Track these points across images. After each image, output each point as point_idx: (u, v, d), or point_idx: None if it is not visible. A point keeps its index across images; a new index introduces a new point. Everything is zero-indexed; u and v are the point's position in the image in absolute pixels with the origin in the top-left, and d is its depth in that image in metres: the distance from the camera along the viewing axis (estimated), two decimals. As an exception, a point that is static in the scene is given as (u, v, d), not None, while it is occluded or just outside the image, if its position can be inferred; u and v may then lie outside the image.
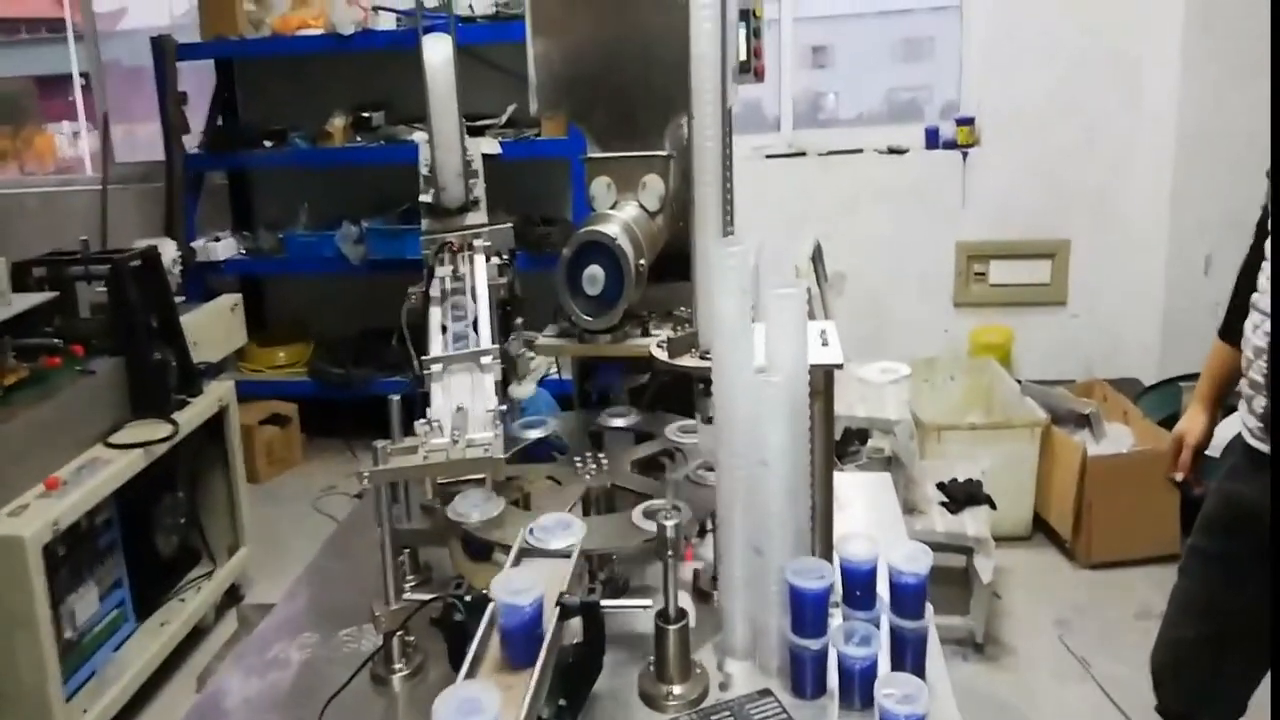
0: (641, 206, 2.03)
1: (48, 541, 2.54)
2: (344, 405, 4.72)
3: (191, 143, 4.86)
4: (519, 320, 1.97)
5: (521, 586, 1.27)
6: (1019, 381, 4.15)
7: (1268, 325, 1.78)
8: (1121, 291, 4.65)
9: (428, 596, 1.45)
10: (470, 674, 1.19)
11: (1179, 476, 2.17)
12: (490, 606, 1.28)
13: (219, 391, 3.34)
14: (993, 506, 3.28)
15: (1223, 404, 2.15)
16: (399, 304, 1.83)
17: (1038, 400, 3.92)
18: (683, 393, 2.08)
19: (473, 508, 1.63)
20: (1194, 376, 3.86)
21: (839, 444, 3.38)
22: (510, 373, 1.95)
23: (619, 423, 1.98)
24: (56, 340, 2.99)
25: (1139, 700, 2.73)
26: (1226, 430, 2.04)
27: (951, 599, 3.15)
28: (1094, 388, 4.26)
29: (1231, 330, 2.00)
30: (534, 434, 1.95)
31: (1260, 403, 1.82)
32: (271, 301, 5.33)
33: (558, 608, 1.33)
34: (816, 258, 3.84)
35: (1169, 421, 3.86)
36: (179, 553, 3.33)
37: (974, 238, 4.73)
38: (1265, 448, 1.84)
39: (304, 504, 4.35)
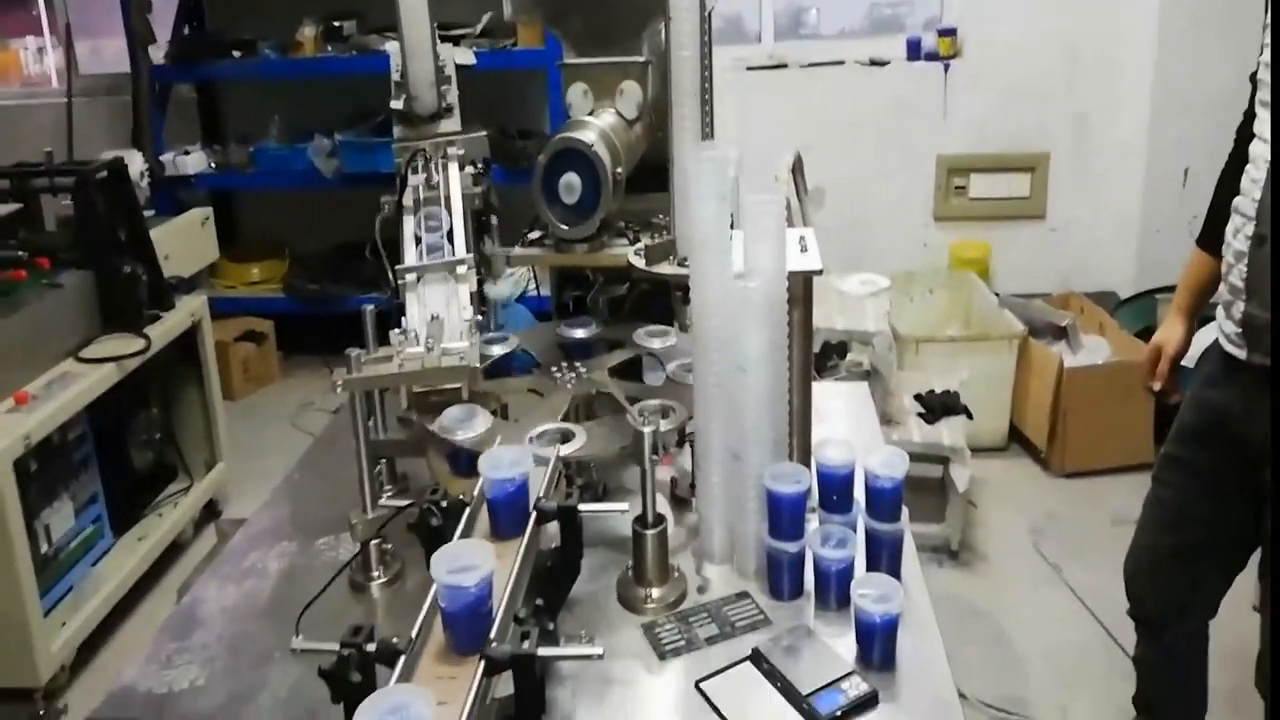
0: (619, 114, 1.99)
1: (19, 456, 2.52)
2: (320, 322, 4.66)
3: (158, 54, 4.72)
4: (494, 221, 1.94)
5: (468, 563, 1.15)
6: (997, 295, 4.15)
7: (1249, 229, 1.76)
8: (1100, 205, 4.64)
9: (404, 503, 1.45)
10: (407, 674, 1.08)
11: (1156, 386, 2.17)
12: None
13: (191, 306, 3.29)
14: (969, 417, 3.30)
15: (1200, 313, 2.15)
16: (374, 219, 1.80)
17: (1016, 313, 3.93)
18: (662, 303, 2.08)
19: (458, 424, 1.61)
20: (1171, 289, 3.88)
21: (818, 358, 3.38)
22: (485, 272, 1.92)
23: (580, 334, 1.97)
24: (21, 253, 2.93)
25: (1111, 606, 2.79)
26: (1204, 339, 2.04)
27: (927, 508, 3.19)
28: (1071, 300, 4.28)
29: (1210, 238, 1.98)
30: (498, 350, 1.93)
31: (1239, 308, 1.81)
32: (243, 216, 5.25)
33: (534, 512, 1.33)
34: (796, 169, 3.79)
35: (1145, 334, 3.88)
36: (155, 469, 3.32)
37: (955, 151, 4.70)
38: (1242, 354, 1.84)
39: (282, 421, 4.34)
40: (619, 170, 1.85)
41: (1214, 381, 1.94)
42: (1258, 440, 1.81)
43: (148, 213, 3.38)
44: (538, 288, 2.38)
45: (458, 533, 1.30)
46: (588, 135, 1.84)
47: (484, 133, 1.92)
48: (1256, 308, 1.77)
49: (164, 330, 3.11)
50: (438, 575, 1.10)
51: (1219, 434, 1.92)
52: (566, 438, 1.60)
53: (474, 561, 1.12)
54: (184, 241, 3.75)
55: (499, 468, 1.34)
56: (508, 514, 1.35)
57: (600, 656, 1.11)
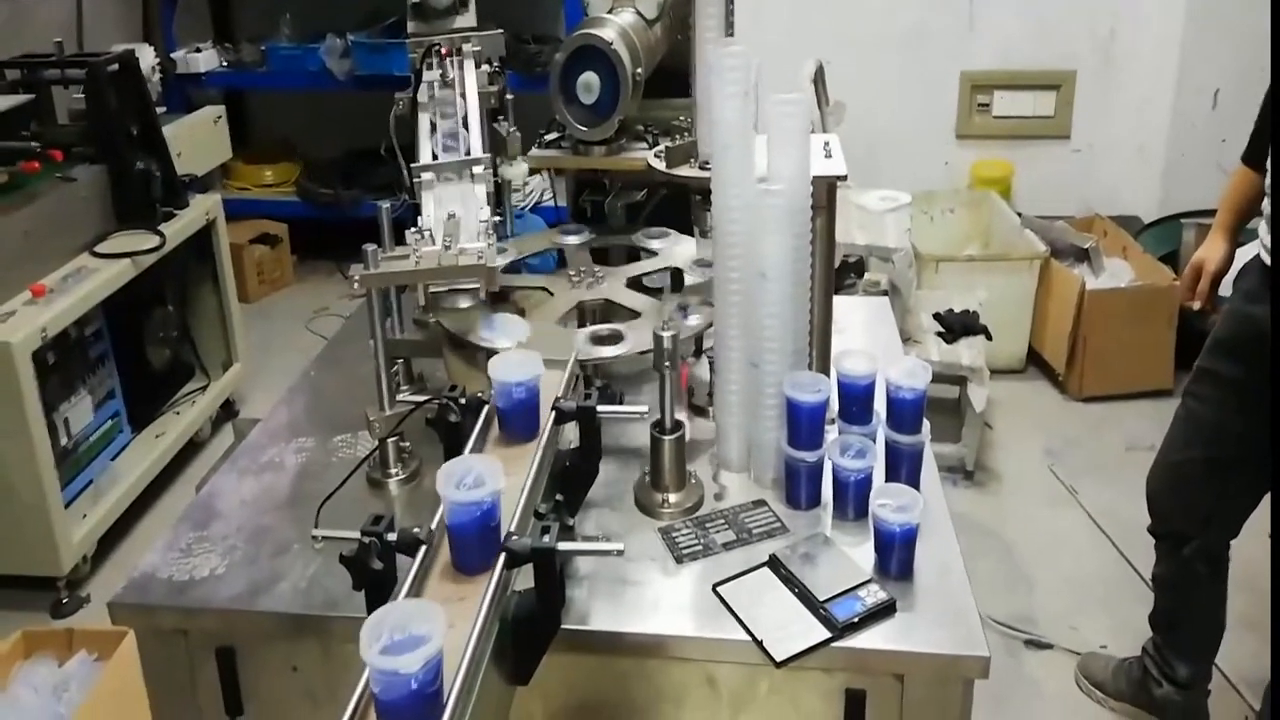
0: (639, 13, 1.94)
1: (36, 348, 2.52)
2: (334, 227, 4.64)
3: (167, -54, 4.61)
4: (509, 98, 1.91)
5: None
6: (1019, 215, 4.09)
7: None
8: (1126, 126, 4.54)
9: (422, 398, 1.44)
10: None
11: (1196, 304, 2.15)
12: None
13: (206, 204, 3.26)
14: (988, 337, 3.28)
15: (1242, 231, 2.11)
16: (386, 124, 1.77)
17: (1037, 234, 3.87)
18: (681, 209, 2.05)
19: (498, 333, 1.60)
20: (1196, 213, 3.84)
21: (835, 275, 3.34)
22: (500, 151, 1.89)
23: (573, 240, 1.94)
24: (34, 144, 2.89)
25: (1125, 529, 2.80)
26: (1244, 258, 2.01)
27: (943, 428, 3.18)
28: (1094, 223, 4.22)
29: (1256, 153, 1.95)
30: (504, 260, 1.90)
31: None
32: (255, 117, 5.18)
33: (553, 411, 1.33)
34: (818, 80, 3.71)
35: (1169, 258, 3.83)
36: (172, 367, 3.33)
37: (979, 67, 4.59)
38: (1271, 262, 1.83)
39: (296, 324, 4.33)
40: (638, 70, 1.82)
41: (1253, 296, 1.92)
42: None
43: (159, 110, 3.33)
44: (554, 196, 2.35)
45: (473, 436, 1.29)
46: (607, 33, 1.80)
47: (499, 30, 1.88)
48: None
49: (178, 228, 3.09)
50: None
51: (1256, 348, 1.90)
52: (613, 339, 1.59)
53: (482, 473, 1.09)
54: (196, 139, 3.71)
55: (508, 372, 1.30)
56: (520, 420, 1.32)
57: (620, 552, 1.11)
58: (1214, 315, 2.11)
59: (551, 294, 1.78)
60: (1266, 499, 2.07)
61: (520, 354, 1.34)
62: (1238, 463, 2.02)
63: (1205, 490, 2.08)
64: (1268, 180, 1.84)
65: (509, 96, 1.90)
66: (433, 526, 1.09)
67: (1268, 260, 1.85)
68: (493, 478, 1.06)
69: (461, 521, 1.05)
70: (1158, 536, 2.21)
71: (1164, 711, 2.28)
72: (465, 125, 1.65)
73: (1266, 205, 1.85)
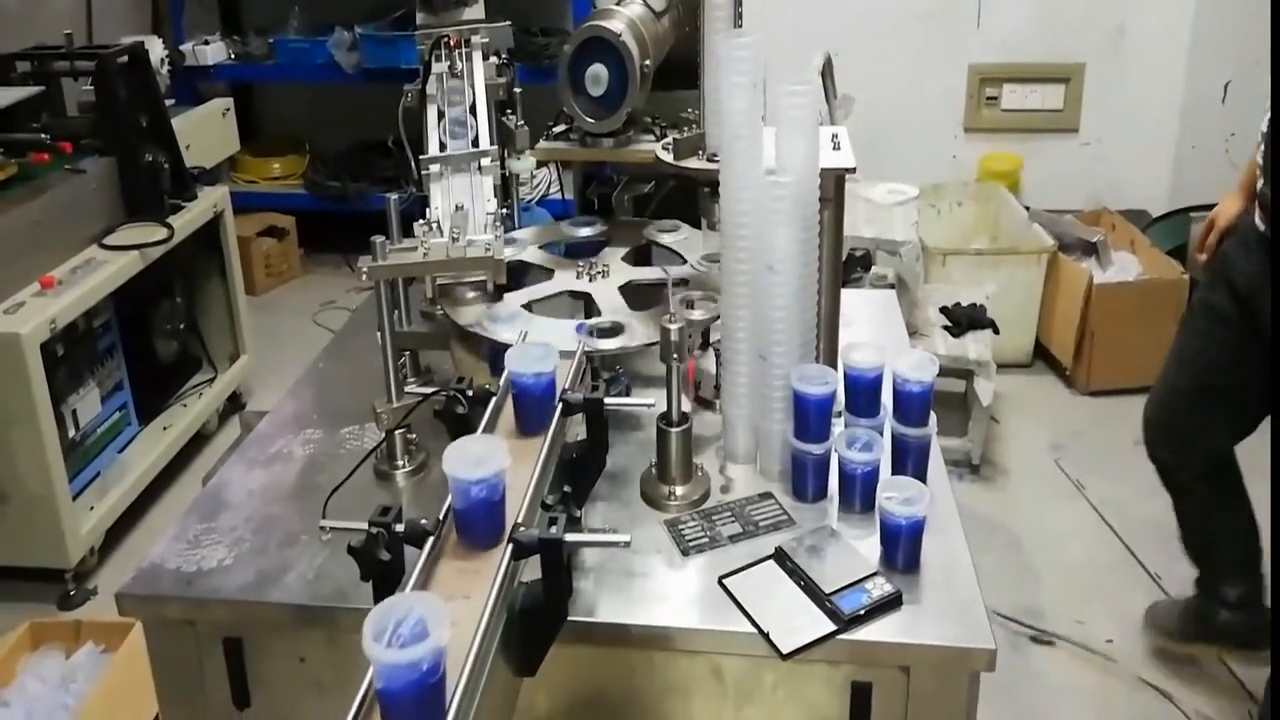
0: (647, 5, 1.94)
1: (45, 340, 2.53)
2: (341, 220, 4.65)
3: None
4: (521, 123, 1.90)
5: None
6: (1027, 209, 4.08)
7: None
8: (1135, 120, 4.52)
9: (430, 390, 1.44)
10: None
11: (1203, 257, 2.25)
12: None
13: (214, 197, 3.27)
14: (995, 330, 3.27)
15: None
16: (394, 117, 1.77)
17: (1045, 227, 3.87)
18: (688, 201, 2.04)
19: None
20: (1205, 207, 3.82)
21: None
22: (508, 144, 1.89)
23: (586, 232, 1.94)
24: (43, 136, 2.91)
25: (1131, 521, 2.80)
26: None
27: (949, 422, 3.17)
28: (1102, 217, 4.20)
29: None
30: (510, 250, 1.90)
31: (1259, 184, 1.96)
32: (264, 110, 5.19)
33: (560, 404, 1.33)
34: (826, 73, 3.70)
35: (1177, 252, 3.82)
36: (179, 359, 3.34)
37: (987, 60, 4.57)
38: (1263, 226, 1.98)
39: (303, 317, 4.34)
40: (647, 62, 1.81)
41: (1244, 243, 2.07)
42: (1268, 311, 1.96)
43: (168, 102, 3.33)
44: (561, 190, 2.35)
45: (482, 424, 1.29)
46: (615, 25, 1.79)
47: (507, 23, 1.88)
48: (1268, 186, 1.91)
49: (186, 220, 3.10)
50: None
51: (1232, 283, 2.06)
52: (615, 331, 1.58)
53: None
54: (205, 132, 3.72)
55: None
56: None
57: (627, 544, 1.11)
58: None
59: (586, 295, 1.75)
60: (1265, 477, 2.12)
61: (483, 442, 1.15)
62: (1222, 392, 2.14)
63: (1192, 417, 2.20)
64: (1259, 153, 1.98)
65: (517, 89, 1.90)
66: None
67: (1258, 223, 2.00)
68: (437, 626, 0.80)
69: (394, 687, 0.80)
70: (1155, 463, 2.31)
71: (1228, 637, 2.33)
72: (473, 112, 1.64)
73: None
